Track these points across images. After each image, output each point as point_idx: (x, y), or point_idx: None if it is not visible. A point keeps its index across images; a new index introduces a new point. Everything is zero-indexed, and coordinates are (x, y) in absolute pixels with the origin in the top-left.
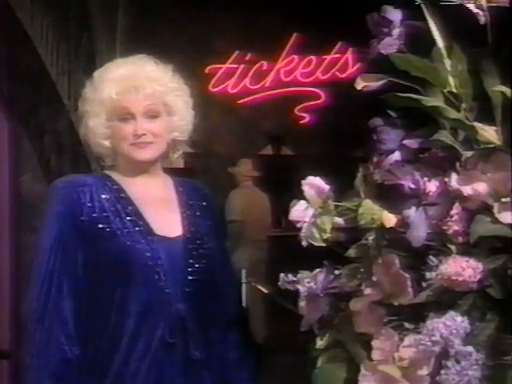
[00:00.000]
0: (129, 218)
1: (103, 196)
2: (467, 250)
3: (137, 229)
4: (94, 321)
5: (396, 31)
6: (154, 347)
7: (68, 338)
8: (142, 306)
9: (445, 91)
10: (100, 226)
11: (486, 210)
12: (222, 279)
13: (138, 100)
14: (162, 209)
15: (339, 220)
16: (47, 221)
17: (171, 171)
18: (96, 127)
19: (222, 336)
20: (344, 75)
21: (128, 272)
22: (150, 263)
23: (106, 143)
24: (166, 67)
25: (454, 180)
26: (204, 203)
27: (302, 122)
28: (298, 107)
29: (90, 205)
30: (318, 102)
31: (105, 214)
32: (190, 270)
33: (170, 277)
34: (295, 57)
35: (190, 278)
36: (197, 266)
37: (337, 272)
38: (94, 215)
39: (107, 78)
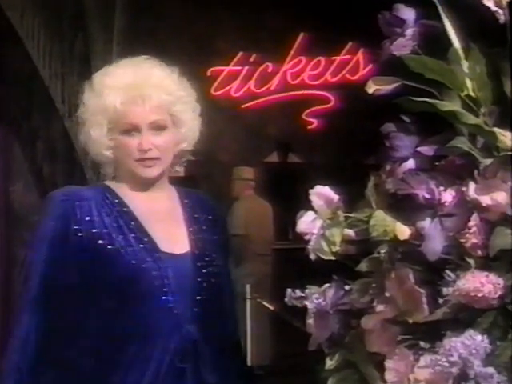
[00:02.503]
0: (132, 235)
1: (103, 210)
2: (486, 264)
3: (141, 246)
4: (91, 348)
5: (409, 31)
6: (164, 373)
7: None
8: (150, 330)
9: (462, 95)
10: (100, 241)
11: (507, 221)
12: (226, 298)
13: (145, 112)
14: (167, 224)
15: (349, 232)
16: (38, 238)
17: (172, 180)
18: (98, 138)
19: (232, 359)
20: (355, 77)
21: (134, 293)
22: (157, 283)
23: (108, 154)
24: (172, 71)
25: (471, 189)
26: (210, 216)
27: (309, 127)
28: (306, 112)
29: (88, 219)
30: (327, 106)
31: (105, 230)
32: (198, 289)
33: (179, 297)
34: (303, 58)
35: (198, 297)
36: (205, 284)
37: (347, 287)
38: (94, 230)
39: (111, 85)
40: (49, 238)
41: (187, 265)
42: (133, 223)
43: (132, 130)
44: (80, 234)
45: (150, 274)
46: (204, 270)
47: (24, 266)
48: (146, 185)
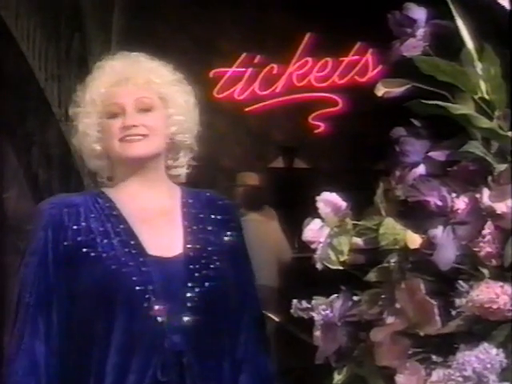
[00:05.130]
0: (118, 239)
1: (91, 215)
2: (501, 274)
3: (126, 250)
4: (75, 358)
5: (420, 31)
6: None
7: (38, 382)
8: (130, 339)
9: (475, 97)
10: (84, 250)
11: None
12: (239, 305)
13: (129, 92)
14: (161, 224)
15: (358, 240)
16: (29, 249)
17: None
18: (87, 128)
19: (231, 374)
20: (363, 79)
21: (112, 300)
22: (138, 288)
23: (98, 147)
24: (165, 64)
25: (485, 196)
26: (219, 216)
27: (316, 131)
28: (313, 115)
29: (75, 227)
30: (335, 109)
31: (92, 236)
32: (189, 295)
33: (165, 304)
34: (309, 59)
35: (189, 304)
36: (197, 290)
37: (355, 298)
38: (79, 239)
39: (98, 76)
40: (39, 251)
41: (178, 268)
42: (121, 226)
43: (117, 111)
44: (65, 243)
45: (130, 280)
46: (196, 274)
47: (18, 282)
48: (137, 173)
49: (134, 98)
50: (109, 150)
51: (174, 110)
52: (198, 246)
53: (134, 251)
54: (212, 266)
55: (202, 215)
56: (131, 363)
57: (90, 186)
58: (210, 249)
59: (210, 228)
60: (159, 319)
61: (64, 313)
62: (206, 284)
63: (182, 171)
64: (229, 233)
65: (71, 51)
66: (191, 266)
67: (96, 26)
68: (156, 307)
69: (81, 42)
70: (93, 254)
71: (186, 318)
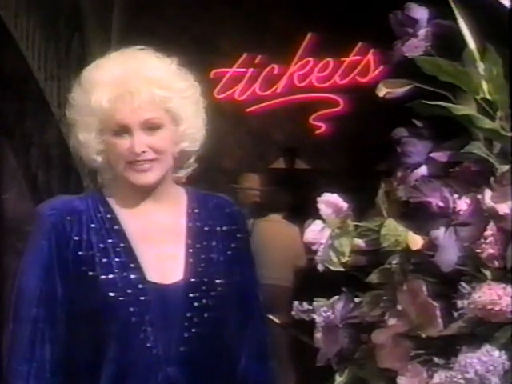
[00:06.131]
0: (117, 260)
1: (92, 225)
2: (504, 275)
3: (124, 274)
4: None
5: (422, 31)
6: None
7: None
8: (122, 370)
9: (477, 98)
10: (83, 268)
11: None
12: (240, 325)
13: (134, 110)
14: (163, 244)
15: (359, 242)
16: (31, 254)
17: None
18: (87, 142)
19: None
20: (365, 80)
21: (108, 329)
22: (135, 320)
23: (99, 159)
24: (170, 62)
25: (488, 197)
26: (225, 227)
27: (317, 132)
28: (314, 115)
29: (76, 238)
30: (336, 109)
31: (91, 253)
32: (186, 324)
33: (161, 335)
34: (310, 59)
35: (186, 335)
36: (196, 320)
37: (357, 300)
38: (80, 253)
39: (97, 80)
40: (40, 257)
41: (177, 297)
42: (122, 245)
43: (122, 130)
44: (67, 256)
45: (127, 311)
46: (196, 303)
47: (16, 290)
48: (143, 193)
49: (142, 120)
50: (115, 168)
51: (185, 125)
52: (199, 270)
53: (132, 276)
54: (212, 294)
55: (207, 228)
56: None
57: (90, 186)
58: (211, 270)
59: (214, 243)
60: (154, 351)
61: (62, 334)
62: (205, 314)
63: (186, 172)
64: (234, 244)
65: (71, 51)
66: (191, 295)
67: (96, 26)
68: (152, 338)
69: (80, 42)
70: (91, 274)
71: (182, 349)
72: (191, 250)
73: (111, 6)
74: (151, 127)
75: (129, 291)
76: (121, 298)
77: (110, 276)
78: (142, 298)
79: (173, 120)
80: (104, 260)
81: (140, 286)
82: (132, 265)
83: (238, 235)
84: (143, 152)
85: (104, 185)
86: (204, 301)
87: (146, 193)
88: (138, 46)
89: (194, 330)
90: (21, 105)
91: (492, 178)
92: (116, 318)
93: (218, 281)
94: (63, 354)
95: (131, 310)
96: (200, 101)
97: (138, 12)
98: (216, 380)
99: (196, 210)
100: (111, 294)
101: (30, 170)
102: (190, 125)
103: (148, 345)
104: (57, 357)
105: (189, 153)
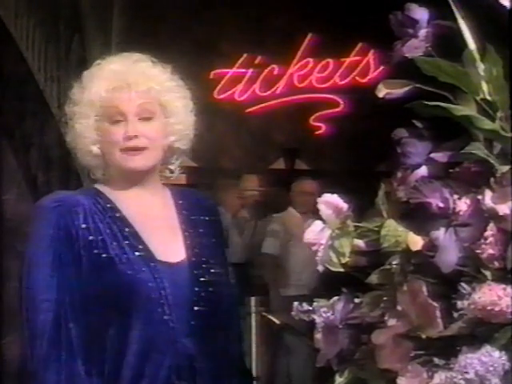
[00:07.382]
0: (127, 242)
1: (96, 216)
2: (504, 276)
3: (137, 254)
4: (89, 362)
5: (422, 32)
6: None
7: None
8: (145, 344)
9: (477, 98)
10: (96, 251)
11: None
12: (226, 308)
13: (131, 98)
14: (162, 229)
15: (359, 242)
16: (38, 245)
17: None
18: (84, 130)
19: (235, 376)
20: (365, 80)
21: (129, 305)
22: (154, 295)
23: (95, 149)
24: (164, 66)
25: (488, 198)
26: (206, 218)
27: (317, 132)
28: (314, 116)
29: (84, 226)
30: (336, 110)
31: (101, 237)
32: (195, 299)
33: (175, 309)
34: (310, 60)
35: (196, 308)
36: (203, 294)
37: (357, 300)
38: (90, 238)
39: (97, 76)
40: (50, 246)
41: (184, 274)
42: (127, 229)
43: (118, 118)
44: (78, 243)
45: (146, 286)
46: (202, 279)
47: (28, 282)
48: (135, 182)
49: (137, 104)
50: (108, 155)
51: (174, 119)
52: (196, 251)
53: (143, 256)
54: (212, 271)
55: (193, 217)
56: (146, 367)
57: (89, 185)
58: (206, 253)
59: (201, 230)
60: (171, 324)
61: (81, 319)
62: (210, 289)
63: (174, 173)
64: (215, 234)
65: (71, 52)
66: (195, 272)
67: (95, 27)
68: (168, 312)
69: (80, 43)
70: (105, 256)
71: (193, 322)
72: (186, 234)
73: (111, 7)
74: (145, 116)
75: (144, 269)
76: (138, 276)
77: (124, 256)
78: (156, 275)
79: (164, 113)
80: (115, 243)
81: (152, 264)
82: (140, 246)
83: (216, 225)
84: (135, 136)
85: (97, 181)
86: (207, 277)
87: (138, 182)
88: (134, 53)
89: (202, 304)
90: (21, 105)
91: (492, 179)
92: (138, 294)
93: (212, 261)
94: (88, 336)
95: (150, 285)
96: (190, 104)
97: (138, 13)
98: (226, 353)
99: (180, 202)
100: (129, 272)
101: (29, 171)
102: (179, 120)
103: (165, 318)
104: (83, 339)
105: (176, 149)
